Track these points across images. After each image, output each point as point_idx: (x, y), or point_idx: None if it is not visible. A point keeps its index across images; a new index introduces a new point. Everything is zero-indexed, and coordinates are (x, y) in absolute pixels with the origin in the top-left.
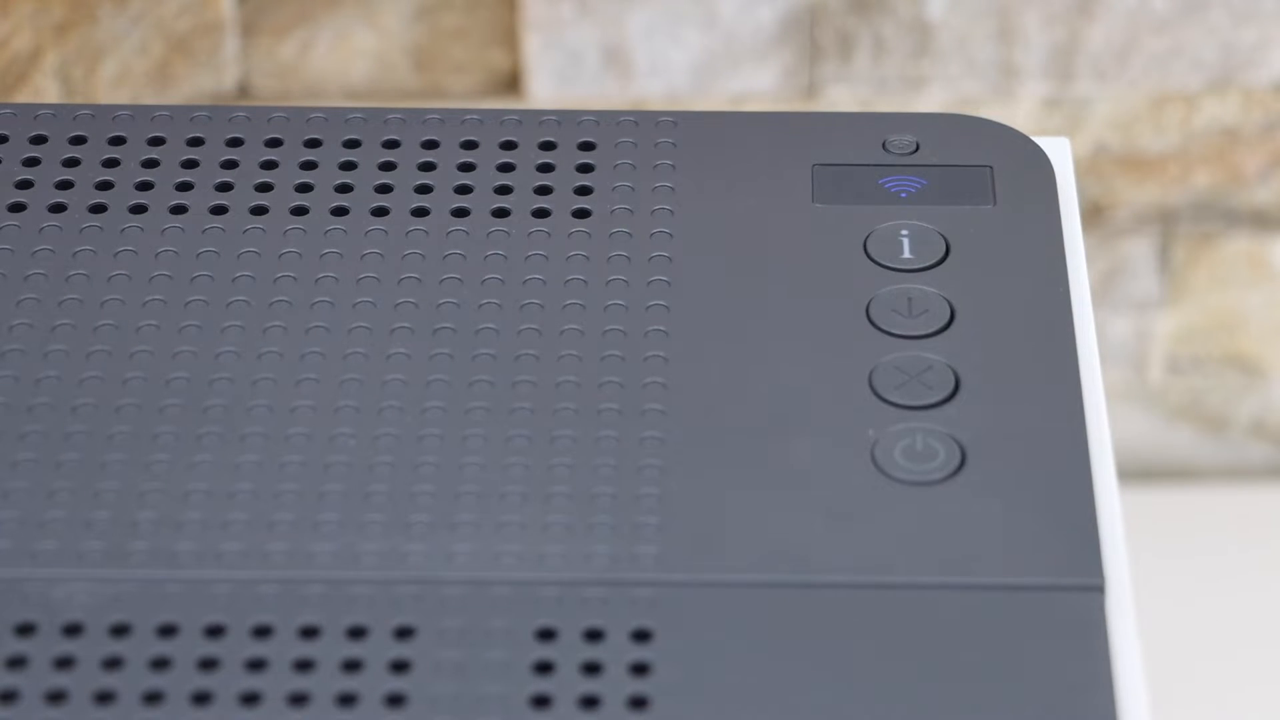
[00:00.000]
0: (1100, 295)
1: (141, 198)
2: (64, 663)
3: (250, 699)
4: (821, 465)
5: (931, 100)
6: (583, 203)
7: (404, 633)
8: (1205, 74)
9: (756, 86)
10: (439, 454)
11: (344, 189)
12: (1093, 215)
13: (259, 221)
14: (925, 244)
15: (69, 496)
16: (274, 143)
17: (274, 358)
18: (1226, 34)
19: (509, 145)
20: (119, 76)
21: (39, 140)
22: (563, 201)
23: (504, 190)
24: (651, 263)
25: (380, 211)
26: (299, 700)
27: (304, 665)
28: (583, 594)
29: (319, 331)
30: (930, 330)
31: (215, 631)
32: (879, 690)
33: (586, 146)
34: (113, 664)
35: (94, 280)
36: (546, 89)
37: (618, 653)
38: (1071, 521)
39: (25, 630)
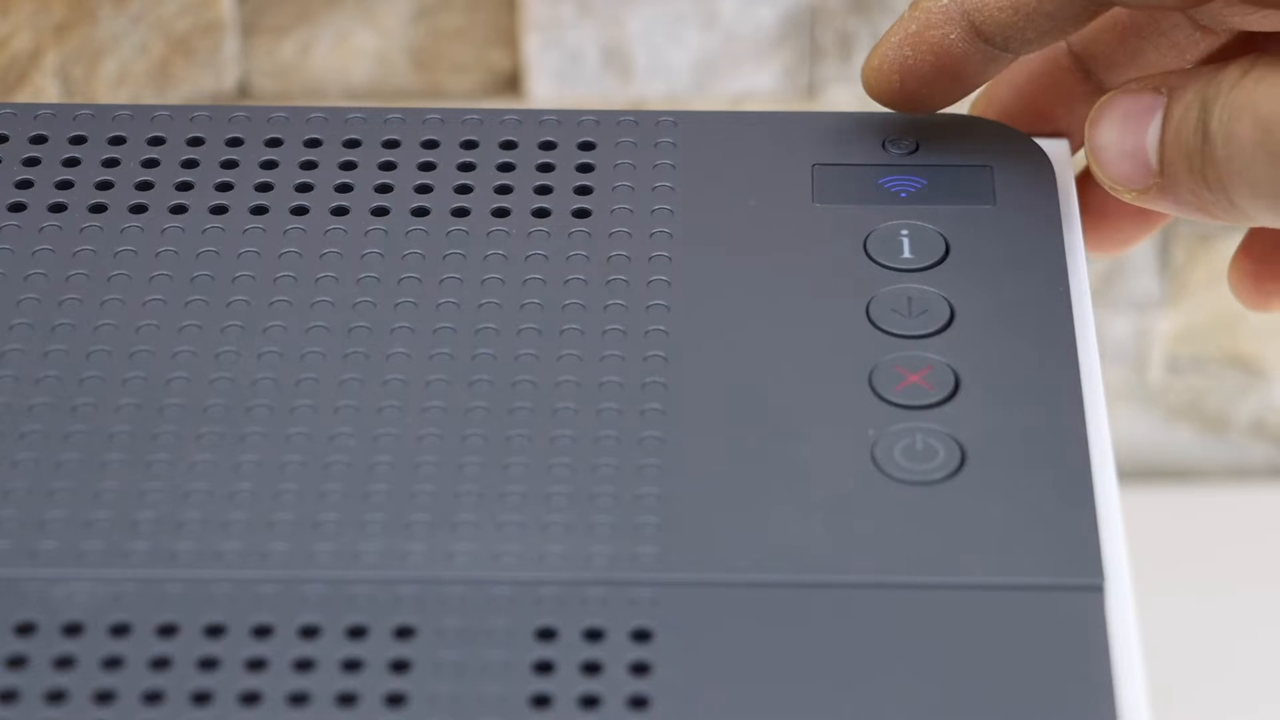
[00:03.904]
0: (1100, 295)
1: (141, 198)
2: (64, 662)
3: (250, 699)
4: (821, 465)
5: None
6: (583, 203)
7: (404, 632)
8: None
9: (756, 86)
10: (439, 454)
11: (344, 189)
12: None
13: (259, 221)
14: (925, 244)
15: (69, 496)
16: (274, 143)
17: (274, 358)
18: None
19: (509, 145)
20: (119, 76)
21: (39, 140)
22: (563, 201)
23: (504, 190)
24: (651, 263)
25: (380, 211)
26: (299, 700)
27: (304, 665)
28: (583, 594)
29: (319, 331)
30: (930, 330)
31: (215, 631)
32: (879, 690)
33: (586, 146)
34: (113, 664)
35: (94, 280)
36: (546, 89)
37: (618, 653)
38: (1071, 521)
39: (25, 630)
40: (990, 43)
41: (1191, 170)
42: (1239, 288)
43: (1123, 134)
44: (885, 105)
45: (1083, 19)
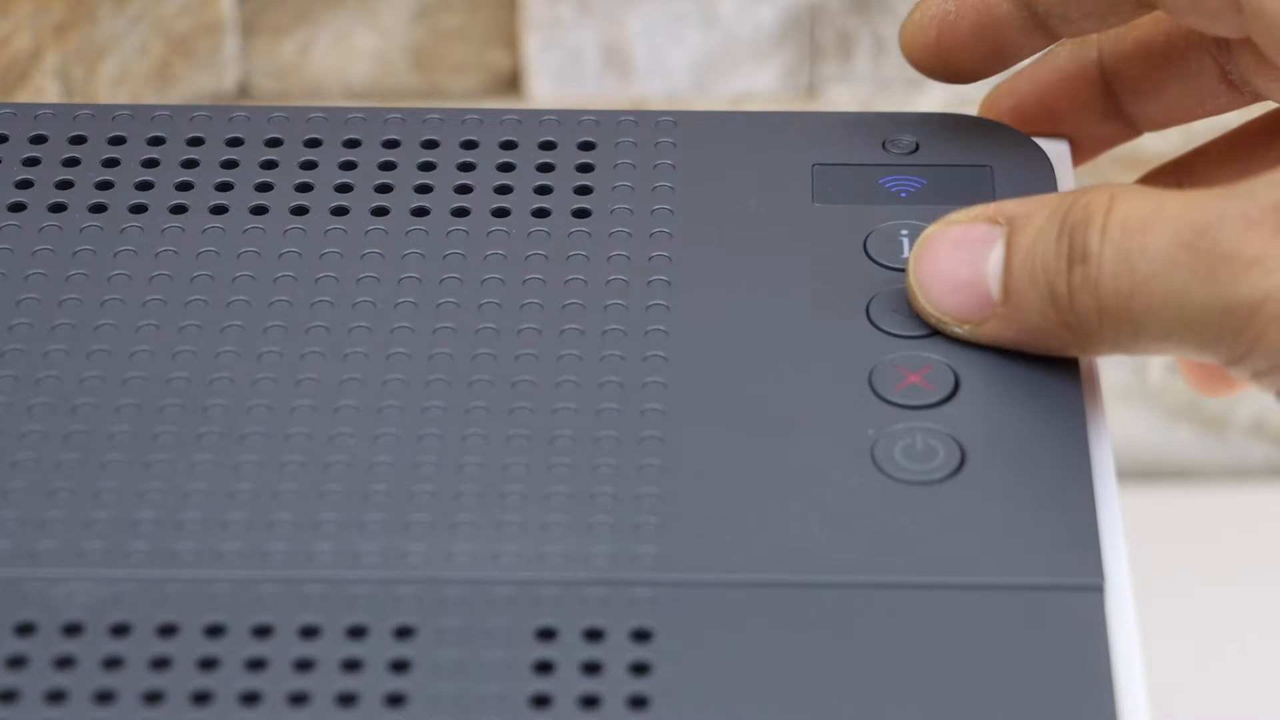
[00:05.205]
0: None
1: (141, 198)
2: (64, 662)
3: (250, 699)
4: (821, 465)
5: (931, 100)
6: (583, 203)
7: (404, 632)
8: None
9: (756, 86)
10: (439, 454)
11: (344, 189)
12: None
13: (259, 221)
14: None
15: (69, 496)
16: (274, 143)
17: (274, 358)
18: None
19: (509, 145)
20: (119, 76)
21: (39, 140)
22: (563, 201)
23: (504, 190)
24: (651, 263)
25: (380, 211)
26: (299, 700)
27: (304, 665)
28: (583, 594)
29: (319, 331)
30: (930, 330)
31: (215, 631)
32: (879, 690)
33: (586, 146)
34: (113, 664)
35: (94, 280)
36: (546, 89)
37: (618, 653)
38: (1071, 521)
39: (25, 630)
40: (1034, 12)
41: (1054, 295)
42: (1190, 377)
43: (955, 265)
44: (918, 65)
45: (1126, 11)
